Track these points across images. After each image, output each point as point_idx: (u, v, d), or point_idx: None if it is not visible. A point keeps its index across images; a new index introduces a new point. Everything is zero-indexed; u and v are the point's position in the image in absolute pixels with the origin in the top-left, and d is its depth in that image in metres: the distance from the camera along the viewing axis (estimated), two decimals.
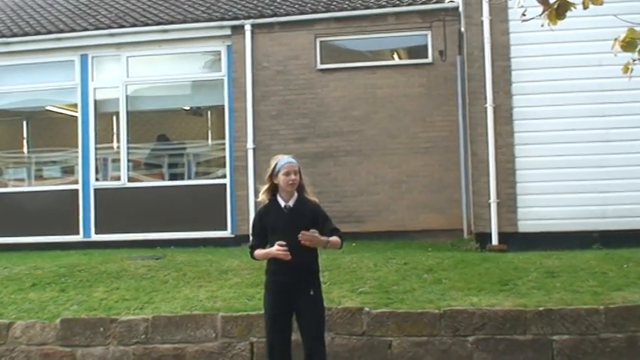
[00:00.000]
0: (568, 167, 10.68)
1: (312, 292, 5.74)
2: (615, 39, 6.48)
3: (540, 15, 5.63)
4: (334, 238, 5.74)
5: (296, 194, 5.80)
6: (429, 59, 13.28)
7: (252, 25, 13.61)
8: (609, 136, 10.67)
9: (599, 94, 10.71)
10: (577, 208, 10.59)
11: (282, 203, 5.76)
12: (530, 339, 7.55)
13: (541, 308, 7.64)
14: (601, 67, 10.60)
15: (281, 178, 5.73)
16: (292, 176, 5.71)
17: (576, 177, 10.66)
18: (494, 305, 7.77)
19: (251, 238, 5.97)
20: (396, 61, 14.20)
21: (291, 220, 5.69)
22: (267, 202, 5.84)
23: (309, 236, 5.51)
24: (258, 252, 5.81)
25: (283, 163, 5.75)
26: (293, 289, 5.70)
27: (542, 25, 5.81)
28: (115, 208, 13.93)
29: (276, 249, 5.58)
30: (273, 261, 5.76)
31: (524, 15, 6.17)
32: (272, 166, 5.79)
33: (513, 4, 10.26)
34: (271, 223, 5.74)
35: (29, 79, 14.67)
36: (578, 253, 9.63)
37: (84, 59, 14.36)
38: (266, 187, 5.83)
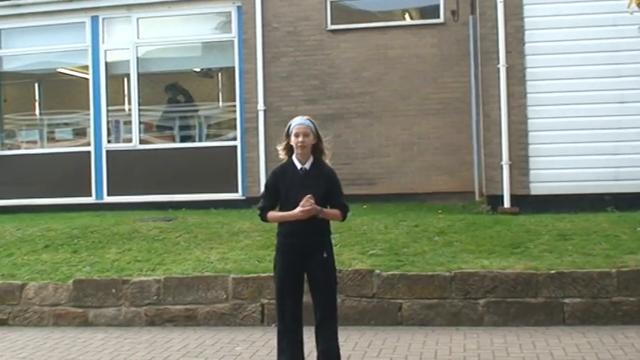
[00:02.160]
0: (581, 129, 10.59)
1: (325, 255, 5.72)
2: None
3: None
4: (330, 210, 5.73)
5: (312, 157, 5.77)
6: (441, 19, 13.12)
7: None
8: (623, 98, 10.56)
9: (613, 54, 10.58)
10: (590, 170, 10.52)
11: (298, 165, 5.74)
12: (541, 302, 7.56)
13: (553, 271, 7.63)
14: (616, 27, 10.49)
15: (292, 139, 5.72)
16: (300, 138, 5.66)
17: (590, 139, 10.57)
18: (505, 268, 7.77)
19: (261, 198, 5.93)
20: (408, 21, 14.03)
21: (305, 183, 5.66)
22: (284, 161, 5.83)
23: (309, 205, 5.51)
24: (274, 214, 5.77)
25: (295, 125, 5.74)
26: (305, 251, 5.68)
27: None
28: (127, 170, 13.95)
29: (300, 210, 5.52)
30: (285, 223, 5.74)
31: None
32: (287, 126, 5.80)
33: None
34: (286, 183, 5.70)
35: (40, 41, 14.61)
36: (591, 216, 9.59)
37: (95, 21, 14.28)
38: (283, 144, 5.83)
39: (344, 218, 5.86)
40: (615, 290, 7.51)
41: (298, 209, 5.54)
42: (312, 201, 5.52)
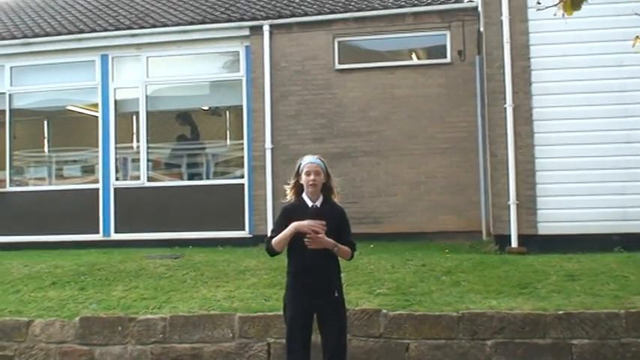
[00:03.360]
0: (589, 169, 10.59)
1: (335, 294, 5.70)
2: (637, 36, 6.43)
3: (556, 4, 5.58)
4: (344, 247, 5.71)
5: (322, 196, 5.77)
6: (448, 59, 13.23)
7: (271, 26, 13.64)
8: (631, 138, 10.57)
9: (620, 94, 10.62)
10: (598, 210, 10.49)
11: (309, 203, 5.74)
12: (549, 343, 7.49)
13: (561, 312, 7.58)
14: (622, 68, 10.55)
15: (303, 178, 5.72)
16: (312, 176, 5.67)
17: (597, 179, 10.56)
18: (513, 309, 7.71)
19: (269, 233, 5.89)
20: (415, 61, 14.15)
21: (317, 220, 5.64)
22: (293, 200, 5.81)
23: (316, 239, 5.50)
24: (277, 237, 5.66)
25: (306, 163, 5.75)
26: (315, 290, 5.65)
27: (555, 15, 5.75)
28: (135, 207, 14.00)
29: (307, 222, 5.51)
30: (295, 261, 5.73)
31: (539, 3, 6.11)
32: (297, 164, 5.81)
33: (533, 4, 10.23)
34: (296, 220, 5.70)
35: (50, 79, 14.80)
36: (599, 256, 9.54)
37: (104, 59, 14.44)
38: (292, 184, 5.83)
39: (351, 257, 5.86)
40: (624, 331, 7.44)
41: (306, 222, 5.52)
42: (322, 232, 5.50)
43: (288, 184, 5.89)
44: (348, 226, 5.83)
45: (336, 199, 5.87)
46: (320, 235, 5.53)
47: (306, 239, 5.52)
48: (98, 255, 11.78)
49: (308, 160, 5.77)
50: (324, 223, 5.54)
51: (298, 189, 5.80)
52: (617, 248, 10.24)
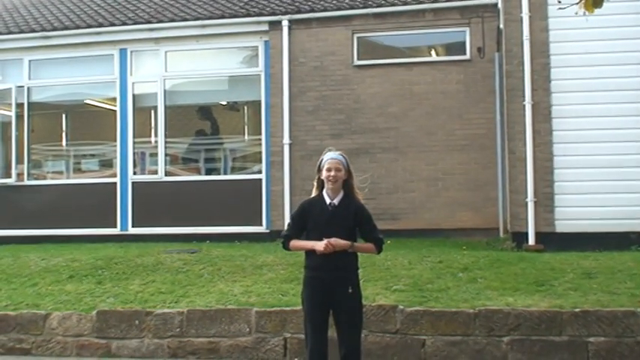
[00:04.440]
0: (607, 167, 10.51)
1: (350, 290, 5.70)
2: None
3: (578, 2, 5.54)
4: (361, 244, 5.74)
5: (342, 192, 5.75)
6: (467, 56, 13.17)
7: (290, 21, 13.64)
8: None
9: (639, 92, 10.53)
10: (615, 208, 10.41)
11: (328, 200, 5.73)
12: (565, 340, 7.47)
13: (577, 309, 7.55)
14: None
15: (323, 174, 5.72)
16: (332, 172, 5.66)
17: (615, 177, 10.48)
18: (529, 306, 7.69)
19: (286, 227, 5.92)
20: (434, 57, 14.10)
21: (333, 218, 5.66)
22: (314, 195, 5.81)
23: (329, 247, 5.52)
24: (296, 242, 5.75)
25: (327, 159, 5.74)
26: (332, 286, 5.65)
27: (576, 13, 5.72)
28: (152, 201, 14.05)
29: (324, 244, 5.52)
30: (312, 257, 5.71)
31: (559, 2, 6.07)
32: (319, 160, 5.81)
33: (553, 1, 10.17)
34: (314, 218, 5.70)
35: (69, 72, 14.85)
36: (616, 255, 9.50)
37: (123, 53, 14.49)
38: (316, 180, 5.83)
39: (379, 251, 5.85)
40: None
41: (322, 242, 5.54)
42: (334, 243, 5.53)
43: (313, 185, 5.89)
44: (369, 221, 5.80)
45: (359, 196, 5.85)
46: (333, 240, 5.53)
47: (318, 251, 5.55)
48: (115, 249, 11.84)
49: (330, 156, 5.75)
50: (337, 244, 5.54)
51: (321, 184, 5.80)
52: (634, 246, 10.17)
